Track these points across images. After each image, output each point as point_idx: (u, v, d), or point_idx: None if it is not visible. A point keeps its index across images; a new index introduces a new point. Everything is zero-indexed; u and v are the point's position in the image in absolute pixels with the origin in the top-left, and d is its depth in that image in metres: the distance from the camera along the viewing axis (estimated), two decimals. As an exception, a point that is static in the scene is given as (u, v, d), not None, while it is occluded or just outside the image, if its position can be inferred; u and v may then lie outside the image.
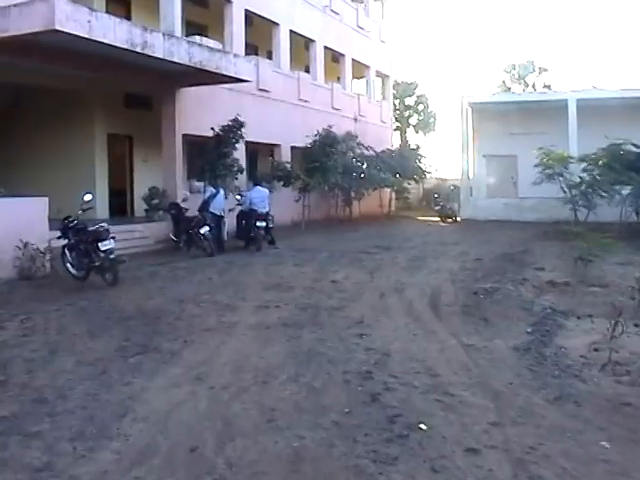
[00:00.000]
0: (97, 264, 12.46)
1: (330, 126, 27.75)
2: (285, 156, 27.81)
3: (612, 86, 40.40)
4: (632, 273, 13.88)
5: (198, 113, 21.50)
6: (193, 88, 21.00)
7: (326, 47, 32.13)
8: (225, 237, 19.51)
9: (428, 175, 37.84)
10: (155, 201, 20.07)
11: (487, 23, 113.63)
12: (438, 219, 32.28)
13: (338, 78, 35.12)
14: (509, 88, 55.41)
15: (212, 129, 20.60)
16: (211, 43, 20.45)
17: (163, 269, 15.14)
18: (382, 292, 12.05)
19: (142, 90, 21.78)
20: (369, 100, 37.63)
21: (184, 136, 20.99)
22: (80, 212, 13.26)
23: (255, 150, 26.89)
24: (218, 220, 18.75)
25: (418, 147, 37.57)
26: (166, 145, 20.62)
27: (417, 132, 54.04)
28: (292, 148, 28.26)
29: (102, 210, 20.68)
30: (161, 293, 12.00)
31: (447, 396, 6.29)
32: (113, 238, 12.64)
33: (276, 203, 21.28)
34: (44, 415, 5.82)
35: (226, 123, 20.84)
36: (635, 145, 24.52)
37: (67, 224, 12.96)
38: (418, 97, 53.41)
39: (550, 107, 30.89)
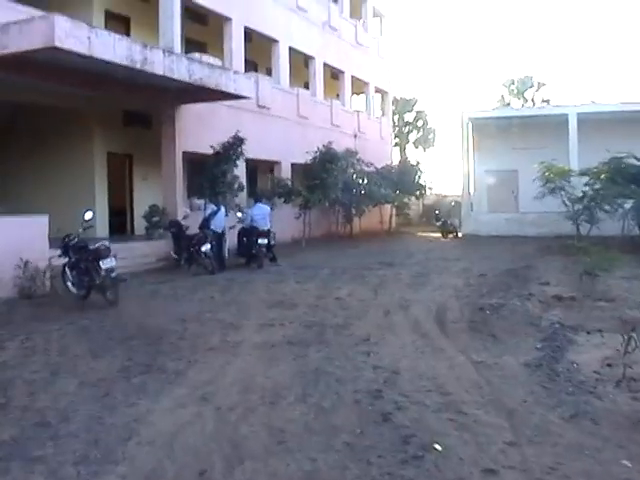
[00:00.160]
0: (98, 283, 12.27)
1: (330, 142, 27.69)
2: (285, 173, 27.73)
3: (610, 100, 40.32)
4: (638, 287, 13.84)
5: (198, 130, 21.40)
6: (193, 105, 20.92)
7: (325, 64, 32.12)
8: (226, 255, 19.37)
9: (428, 191, 37.84)
10: (155, 219, 19.92)
11: (486, 38, 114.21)
12: (439, 235, 32.21)
13: (337, 95, 35.13)
14: (508, 103, 55.44)
15: (212, 147, 20.49)
16: (211, 60, 20.39)
17: (164, 287, 14.98)
18: (387, 309, 11.88)
19: (141, 108, 21.70)
20: (368, 116, 37.62)
21: (184, 154, 20.87)
22: (81, 230, 13.11)
23: (255, 167, 26.79)
24: (219, 237, 18.62)
25: (418, 163, 37.47)
26: (166, 163, 20.51)
27: (416, 148, 54.03)
28: (292, 165, 28.16)
29: (102, 228, 20.52)
30: (163, 312, 11.83)
31: (460, 415, 6.13)
32: (114, 256, 12.49)
33: (276, 220, 21.14)
34: (47, 439, 5.64)
35: (226, 140, 20.74)
36: (637, 158, 24.44)
37: (68, 242, 12.79)
38: (417, 113, 53.44)
39: (550, 121, 30.87)
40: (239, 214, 20.05)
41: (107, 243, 12.88)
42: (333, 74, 34.72)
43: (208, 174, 20.53)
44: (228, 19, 24.11)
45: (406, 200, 37.04)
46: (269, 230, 19.30)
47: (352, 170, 30.01)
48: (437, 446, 5.36)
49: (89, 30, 14.33)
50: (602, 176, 24.60)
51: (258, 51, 27.30)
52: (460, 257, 21.60)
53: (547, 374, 7.46)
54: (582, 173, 25.42)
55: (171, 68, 16.87)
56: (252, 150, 22.17)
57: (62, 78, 16.10)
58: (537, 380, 7.26)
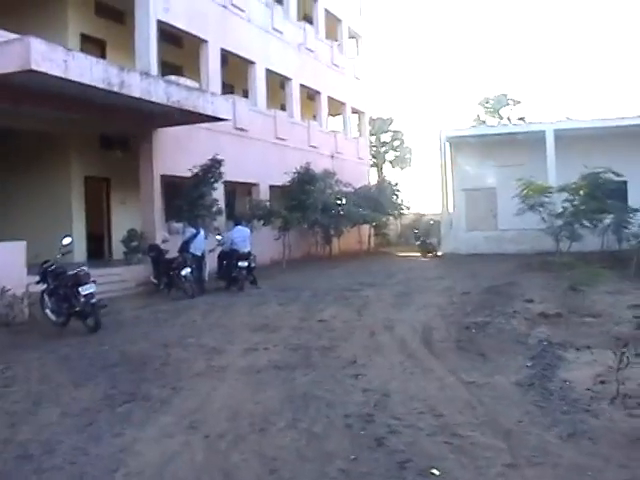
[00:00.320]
0: (78, 309, 12.03)
1: (308, 163, 27.67)
2: (263, 195, 27.58)
3: (585, 117, 40.70)
4: (622, 302, 13.82)
5: (176, 153, 21.22)
6: (170, 128, 20.76)
7: (302, 85, 32.12)
8: (206, 278, 19.16)
9: (406, 210, 37.90)
10: (134, 243, 19.71)
11: (460, 57, 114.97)
12: (418, 254, 32.08)
13: (314, 116, 35.14)
14: (483, 121, 55.73)
15: (190, 170, 20.31)
16: (188, 82, 20.28)
17: (145, 312, 14.74)
18: (372, 330, 11.73)
19: (119, 131, 21.52)
20: (345, 137, 37.66)
21: (162, 177, 20.69)
22: (59, 256, 12.88)
23: (233, 190, 26.61)
24: (199, 261, 18.39)
25: (396, 183, 37.50)
26: (144, 187, 20.33)
27: (393, 167, 54.20)
28: (270, 187, 28.03)
29: (79, 253, 20.24)
30: (145, 338, 11.58)
31: (456, 437, 5.98)
32: (94, 282, 12.25)
33: (256, 242, 20.95)
34: (30, 473, 5.43)
35: (204, 163, 20.58)
36: (615, 173, 24.55)
37: (46, 268, 12.57)
38: (394, 133, 53.67)
39: (527, 138, 30.95)
40: (218, 237, 19.85)
41: (86, 268, 12.62)
42: (309, 95, 34.74)
43: (186, 197, 20.34)
44: (204, 41, 24.00)
45: (384, 220, 36.99)
46: (249, 252, 19.11)
47: (330, 191, 29.91)
48: (435, 471, 5.23)
49: (65, 53, 14.18)
50: (581, 192, 24.66)
51: (234, 73, 27.22)
52: (442, 276, 21.51)
53: (540, 393, 7.36)
54: (561, 189, 25.46)
55: (148, 91, 16.72)
56: (230, 172, 22.02)
57: (38, 102, 15.87)
58: (531, 399, 7.14)
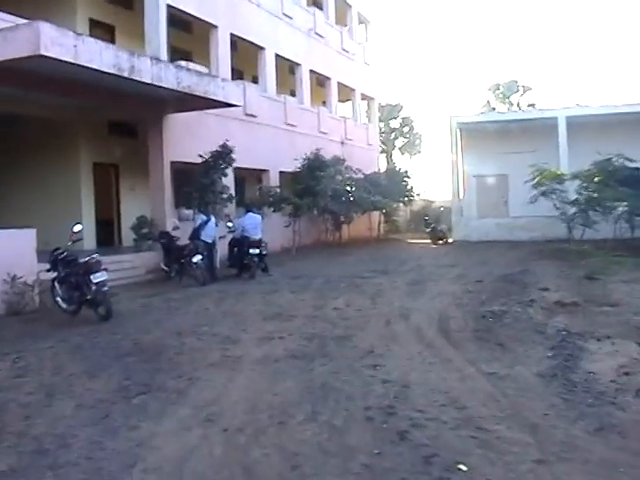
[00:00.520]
0: (89, 297, 11.90)
1: (318, 149, 27.48)
2: (274, 181, 27.44)
3: (595, 103, 40.37)
4: (639, 291, 13.59)
5: (185, 140, 21.06)
6: (180, 115, 20.59)
7: (311, 70, 31.91)
8: (217, 265, 19.02)
9: (416, 197, 37.67)
10: (144, 230, 19.60)
11: (471, 44, 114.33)
12: (429, 241, 31.89)
13: (324, 102, 34.92)
14: (494, 108, 55.36)
15: (201, 156, 20.12)
16: (198, 68, 20.09)
17: (156, 300, 14.60)
18: (388, 319, 11.56)
19: (128, 117, 21.39)
20: (355, 123, 37.46)
21: (172, 163, 20.53)
22: (70, 243, 12.72)
23: (243, 176, 26.44)
24: (210, 248, 18.25)
25: (406, 170, 37.25)
26: (153, 173, 20.17)
27: (403, 154, 53.91)
28: (280, 173, 27.86)
29: (89, 240, 20.08)
30: (158, 326, 11.43)
31: (481, 431, 5.81)
32: (105, 270, 12.11)
33: (266, 229, 20.77)
34: (46, 468, 5.27)
35: (214, 149, 20.39)
36: (628, 159, 24.30)
37: (57, 256, 12.44)
38: (403, 119, 53.37)
39: (539, 125, 30.68)
40: (229, 224, 19.67)
41: (97, 256, 12.47)
42: (319, 81, 34.53)
43: (197, 184, 20.13)
44: (214, 26, 23.81)
45: (394, 207, 36.77)
46: (260, 240, 18.95)
47: (340, 177, 29.70)
48: (462, 466, 5.07)
49: (75, 38, 14.00)
50: (595, 179, 24.42)
51: (244, 59, 27.04)
52: (454, 263, 21.30)
53: (564, 384, 7.19)
54: (574, 176, 25.22)
55: (159, 76, 16.54)
56: (240, 159, 21.82)
57: (48, 88, 15.74)
58: (554, 391, 6.98)
